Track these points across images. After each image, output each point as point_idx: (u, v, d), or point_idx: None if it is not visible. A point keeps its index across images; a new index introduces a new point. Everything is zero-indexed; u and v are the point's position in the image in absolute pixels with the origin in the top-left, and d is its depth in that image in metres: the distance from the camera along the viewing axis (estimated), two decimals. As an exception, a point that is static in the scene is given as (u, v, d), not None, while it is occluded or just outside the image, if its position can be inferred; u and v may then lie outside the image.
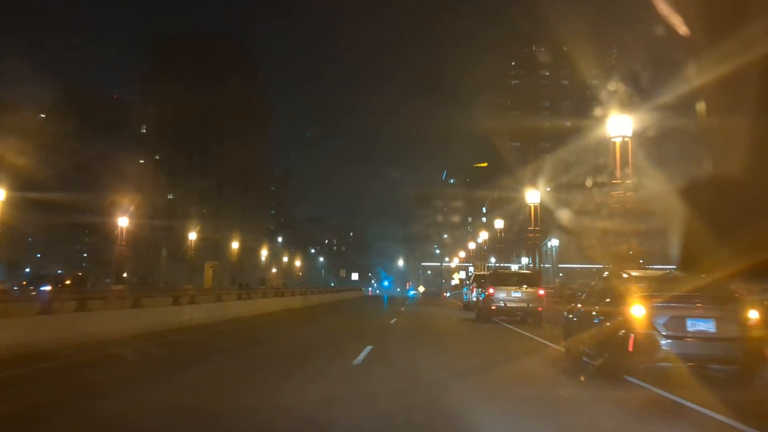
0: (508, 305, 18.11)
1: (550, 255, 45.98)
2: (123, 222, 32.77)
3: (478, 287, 22.27)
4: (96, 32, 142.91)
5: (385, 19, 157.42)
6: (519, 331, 15.97)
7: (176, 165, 78.29)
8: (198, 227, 44.25)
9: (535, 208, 23.18)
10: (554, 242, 44.51)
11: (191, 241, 42.14)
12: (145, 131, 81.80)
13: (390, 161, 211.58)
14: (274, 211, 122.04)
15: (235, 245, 55.83)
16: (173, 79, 76.29)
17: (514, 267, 46.42)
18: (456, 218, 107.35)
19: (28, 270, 51.37)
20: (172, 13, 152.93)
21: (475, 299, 24.25)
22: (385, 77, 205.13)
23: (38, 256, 65.94)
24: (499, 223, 36.66)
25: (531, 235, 23.81)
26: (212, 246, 59.84)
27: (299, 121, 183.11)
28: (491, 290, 18.36)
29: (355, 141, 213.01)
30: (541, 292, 18.35)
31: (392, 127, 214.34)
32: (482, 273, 29.05)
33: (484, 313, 18.85)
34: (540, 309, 17.99)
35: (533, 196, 23.56)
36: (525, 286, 18.10)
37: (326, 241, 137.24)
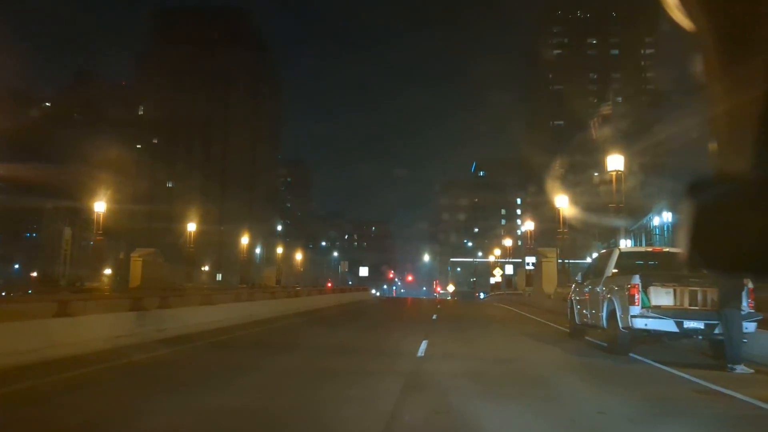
0: None
1: (660, 238, 29.24)
2: None
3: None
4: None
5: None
6: None
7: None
8: (106, 197, 28.35)
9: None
10: (667, 217, 28.08)
11: (99, 213, 26.80)
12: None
13: (417, 154, 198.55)
14: (290, 204, 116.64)
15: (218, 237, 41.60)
16: (174, 53, 72.07)
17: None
18: (487, 211, 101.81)
19: None
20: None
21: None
22: (412, 62, 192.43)
23: None
24: (618, 162, 20.04)
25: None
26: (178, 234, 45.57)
27: (321, 113, 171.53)
28: None
29: (379, 133, 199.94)
30: None
31: (419, 119, 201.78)
32: (637, 249, 13.25)
33: None
34: None
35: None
36: None
37: (346, 236, 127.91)
